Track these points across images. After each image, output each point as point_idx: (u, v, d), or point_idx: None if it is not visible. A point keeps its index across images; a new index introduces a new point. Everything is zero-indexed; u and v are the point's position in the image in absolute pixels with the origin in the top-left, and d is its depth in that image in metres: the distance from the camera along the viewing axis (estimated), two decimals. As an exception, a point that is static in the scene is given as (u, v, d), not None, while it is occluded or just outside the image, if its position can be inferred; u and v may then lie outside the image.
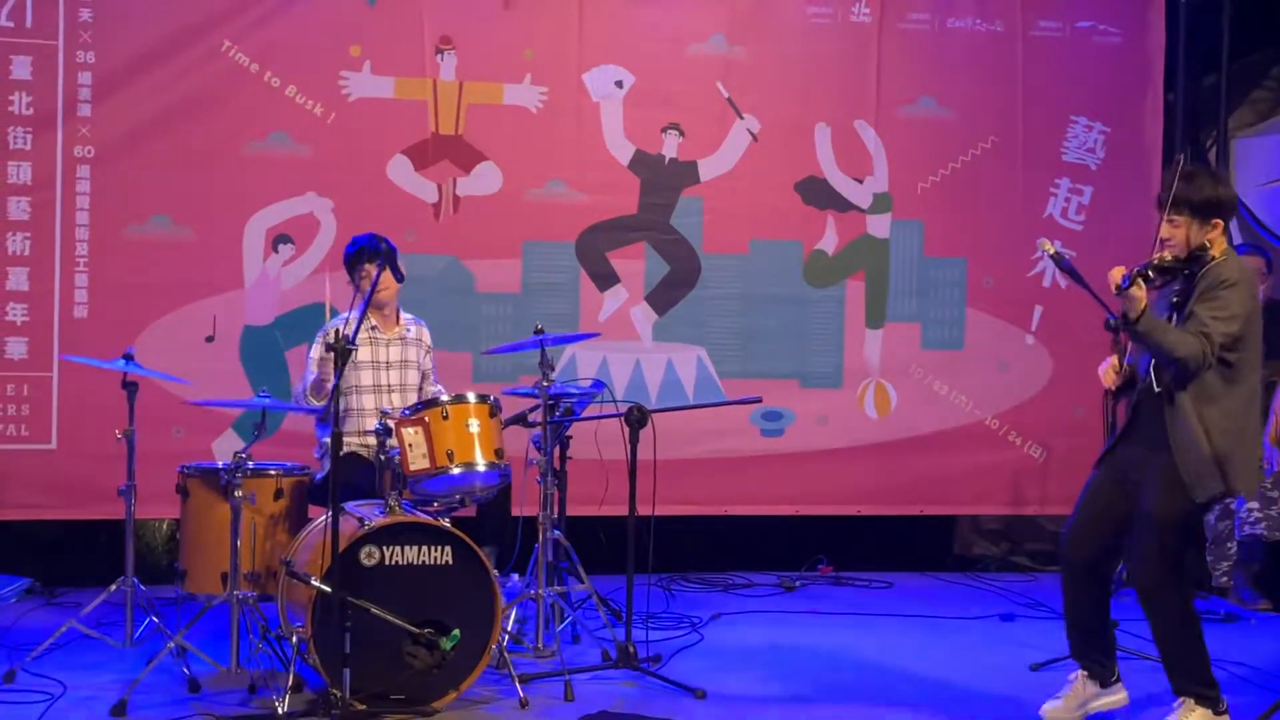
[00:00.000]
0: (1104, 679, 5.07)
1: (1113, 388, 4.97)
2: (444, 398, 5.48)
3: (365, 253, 5.96)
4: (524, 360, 6.92)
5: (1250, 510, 6.90)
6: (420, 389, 6.18)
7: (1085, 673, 5.08)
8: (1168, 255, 4.80)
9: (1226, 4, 7.87)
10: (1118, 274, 4.66)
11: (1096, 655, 5.07)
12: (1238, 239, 7.82)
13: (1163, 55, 8.02)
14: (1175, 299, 4.86)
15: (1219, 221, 4.80)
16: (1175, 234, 4.80)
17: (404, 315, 6.22)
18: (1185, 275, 4.82)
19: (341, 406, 5.50)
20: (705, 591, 7.34)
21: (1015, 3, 7.87)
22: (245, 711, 5.04)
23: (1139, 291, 4.62)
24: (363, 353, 6.01)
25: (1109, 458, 5.02)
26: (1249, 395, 4.83)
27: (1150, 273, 4.70)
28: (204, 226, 7.11)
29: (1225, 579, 7.19)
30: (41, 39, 6.92)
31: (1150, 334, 4.67)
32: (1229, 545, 7.14)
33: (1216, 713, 4.83)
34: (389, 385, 6.07)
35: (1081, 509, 5.05)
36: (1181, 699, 4.86)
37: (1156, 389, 4.80)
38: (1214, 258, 4.78)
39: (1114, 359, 4.94)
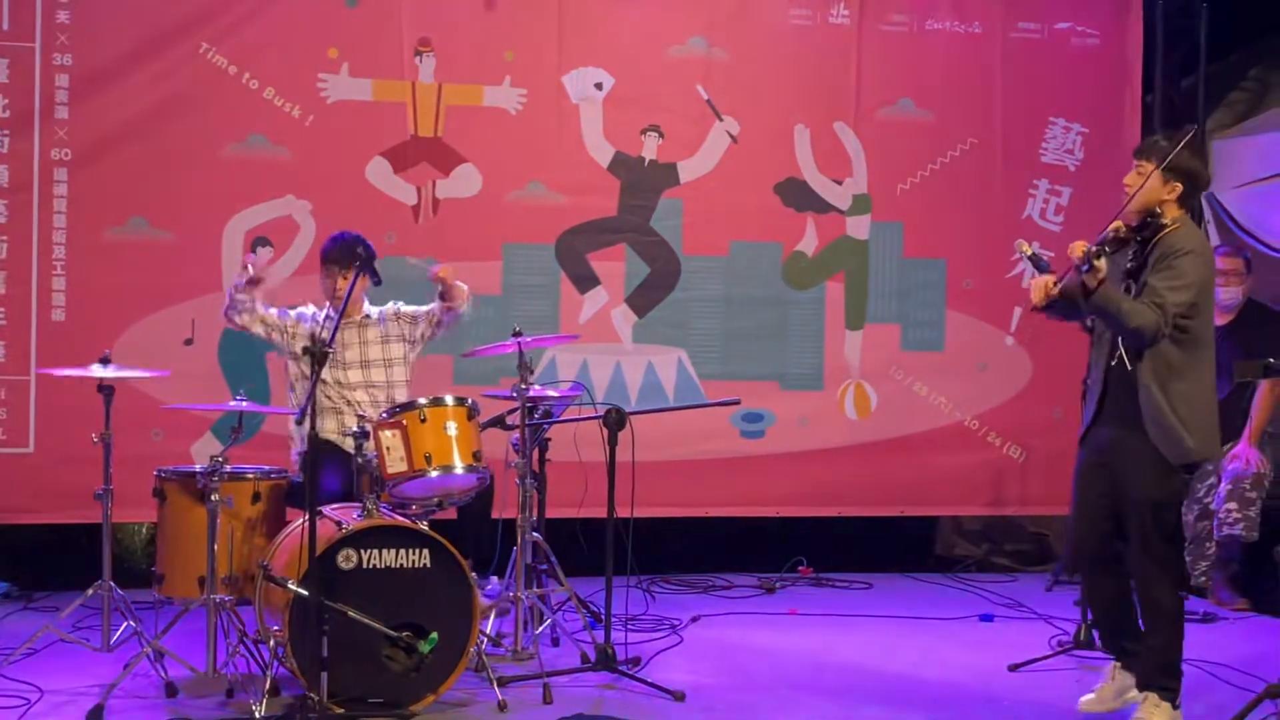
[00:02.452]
0: (1173, 702, 5.00)
1: (1039, 304, 4.88)
2: (421, 400, 5.47)
3: (339, 257, 5.91)
4: (505, 362, 6.89)
5: (1229, 511, 6.92)
6: (404, 360, 6.16)
7: (1119, 663, 5.11)
8: (1120, 226, 4.84)
9: (1204, 6, 7.90)
10: (1078, 249, 4.69)
11: (1127, 643, 5.08)
12: (1215, 240, 7.87)
13: (1140, 57, 8.05)
14: (1129, 264, 4.90)
15: (1178, 186, 4.84)
16: (1135, 181, 4.85)
17: (367, 308, 6.19)
18: (1138, 242, 4.85)
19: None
20: (685, 593, 7.34)
21: (994, 5, 7.91)
22: (222, 715, 5.03)
23: (1100, 264, 4.65)
24: (342, 334, 6.00)
25: (1086, 441, 5.08)
26: (1207, 362, 4.87)
27: (1107, 247, 4.73)
28: (182, 229, 7.10)
29: (1204, 579, 7.20)
30: (18, 41, 6.90)
31: (1106, 305, 4.72)
32: (1207, 545, 7.15)
33: (1175, 706, 4.90)
34: (371, 360, 6.05)
35: (1076, 501, 5.13)
36: (1145, 693, 4.91)
37: (1128, 367, 4.84)
38: (1166, 225, 4.81)
39: (1049, 278, 4.86)
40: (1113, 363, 4.93)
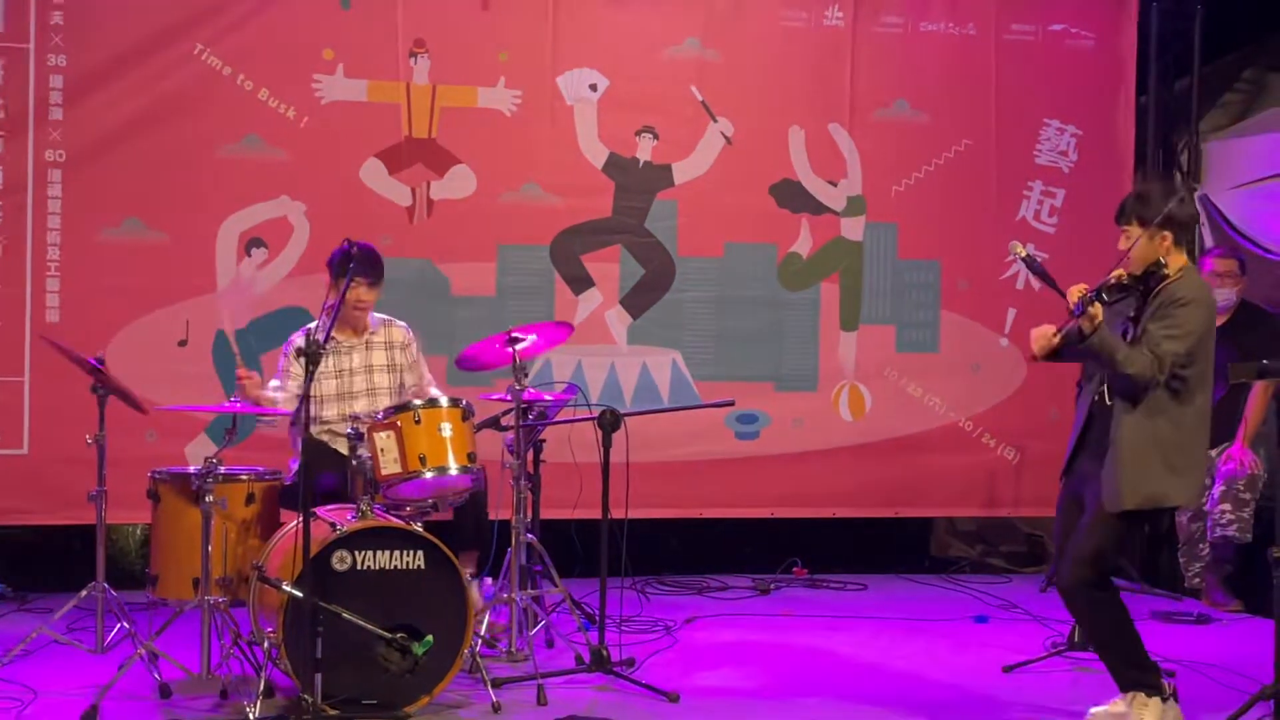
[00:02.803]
0: (1160, 694, 4.94)
1: (1040, 355, 4.92)
2: (416, 402, 5.46)
3: (359, 270, 5.84)
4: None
5: (1223, 512, 6.93)
6: (404, 389, 6.08)
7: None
8: (1123, 274, 4.86)
9: (1198, 8, 7.90)
10: (1075, 293, 4.70)
11: (1136, 674, 4.98)
12: (1210, 241, 7.87)
13: (1135, 58, 8.06)
14: (1131, 314, 4.93)
15: (1167, 235, 4.85)
16: (1126, 245, 4.87)
17: (372, 317, 6.17)
18: (1140, 292, 4.88)
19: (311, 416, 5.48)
20: (680, 595, 7.34)
21: (988, 6, 7.91)
22: (216, 717, 5.04)
23: (1094, 310, 4.68)
24: (326, 363, 5.91)
25: (1068, 475, 5.10)
26: (1199, 411, 4.88)
27: (1104, 295, 4.76)
28: (177, 230, 7.09)
29: (1197, 580, 7.22)
30: (12, 42, 6.89)
31: (1102, 350, 4.74)
32: (1201, 547, 7.17)
33: (1164, 699, 4.87)
34: (353, 392, 6.01)
35: (1059, 536, 5.13)
36: (1130, 694, 4.89)
37: (1109, 402, 4.87)
38: (1168, 275, 4.83)
39: (1049, 328, 4.88)
40: (1095, 397, 4.95)
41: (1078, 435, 5.05)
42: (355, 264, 5.59)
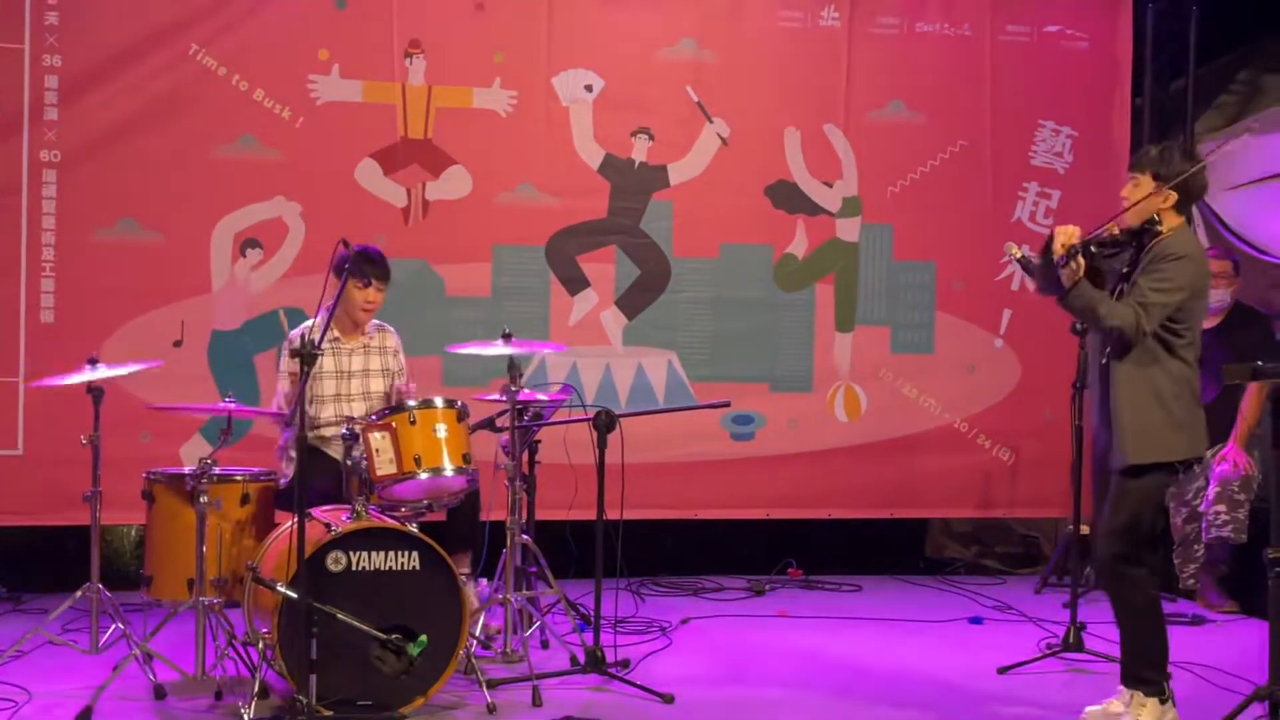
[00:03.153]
0: (1159, 695, 4.95)
1: (1060, 252, 4.76)
2: (411, 402, 5.46)
3: (376, 271, 5.88)
4: (495, 364, 6.91)
5: (1217, 513, 6.93)
6: (389, 394, 6.11)
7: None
8: (1114, 228, 4.84)
9: (1194, 9, 7.91)
10: (1063, 239, 4.69)
11: (1148, 673, 4.96)
12: (1204, 243, 7.87)
13: (1130, 59, 8.07)
14: (1125, 269, 4.92)
15: (1173, 195, 4.84)
16: (1132, 194, 4.87)
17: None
18: (1135, 248, 4.86)
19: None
20: (675, 595, 7.34)
21: (983, 7, 7.91)
22: (211, 718, 5.03)
23: (1076, 262, 4.67)
24: (326, 363, 5.94)
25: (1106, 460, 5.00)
26: (1191, 366, 4.86)
27: (1092, 247, 4.74)
28: (172, 231, 7.08)
29: (1192, 581, 7.22)
30: (7, 42, 6.87)
31: (1083, 303, 4.74)
32: (1196, 548, 7.17)
33: (1164, 701, 4.87)
34: (350, 394, 6.01)
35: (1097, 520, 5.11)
36: (1130, 691, 4.89)
37: (1104, 362, 4.87)
38: (1161, 232, 4.83)
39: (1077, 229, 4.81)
40: (1103, 360, 4.94)
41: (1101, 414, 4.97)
42: (371, 265, 5.76)
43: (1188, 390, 4.86)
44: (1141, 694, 4.88)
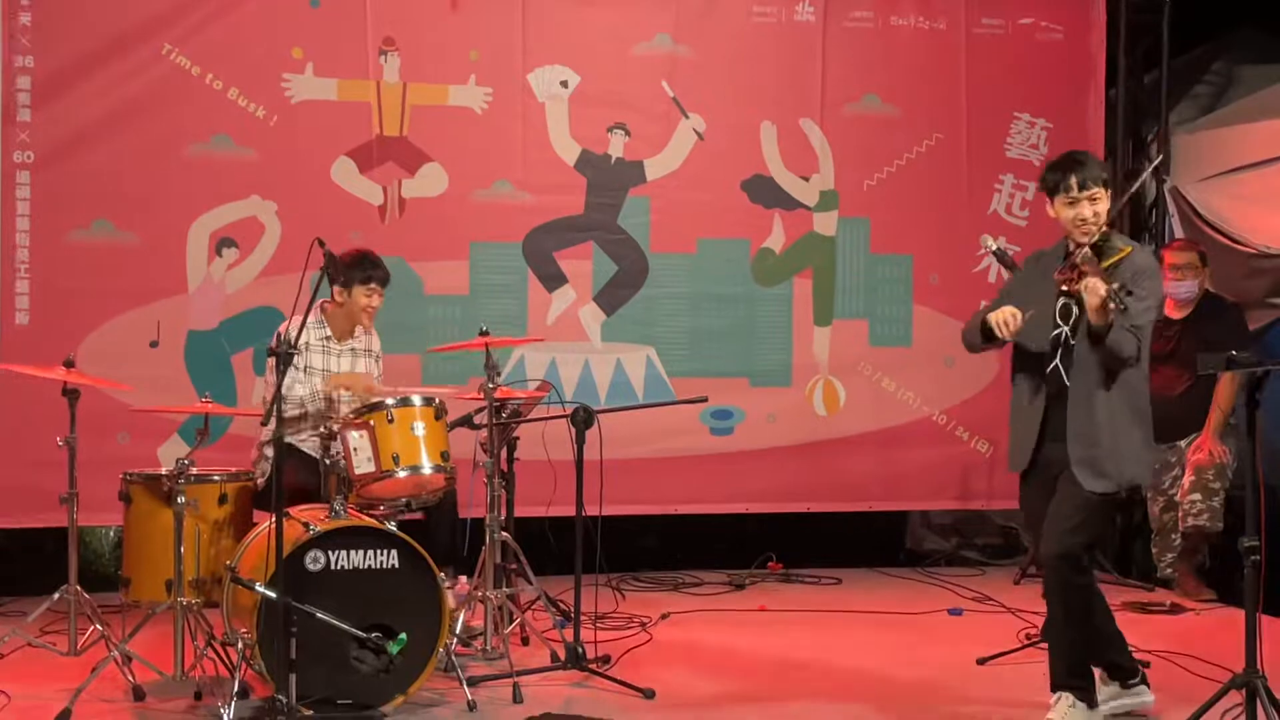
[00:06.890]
0: (1122, 679, 5.03)
1: (1010, 337, 4.74)
2: (389, 401, 5.46)
3: (380, 275, 5.92)
4: (473, 362, 6.89)
5: (1193, 502, 6.96)
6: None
7: (1102, 671, 5.04)
8: (1088, 250, 4.71)
9: (1167, 1, 7.94)
10: (1098, 294, 4.53)
11: (1108, 655, 5.01)
12: (1180, 233, 7.91)
13: (1104, 52, 8.10)
14: (1064, 287, 4.78)
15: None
16: (1101, 208, 4.79)
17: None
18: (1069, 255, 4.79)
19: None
20: (655, 591, 7.35)
21: (958, 0, 7.93)
22: (190, 718, 5.01)
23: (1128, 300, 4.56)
24: (315, 360, 5.93)
25: (1032, 470, 4.93)
26: (1145, 377, 4.84)
27: (1121, 290, 4.54)
28: (147, 231, 7.06)
29: (1170, 571, 7.25)
30: (-21, 43, 6.86)
31: (1117, 346, 4.63)
32: (1173, 537, 7.20)
33: (1092, 707, 4.82)
34: (339, 395, 6.00)
35: (1031, 526, 5.07)
36: (1057, 694, 4.84)
37: (1066, 382, 4.77)
38: (1119, 248, 4.78)
39: (1018, 310, 4.74)
40: (1053, 382, 4.82)
41: (1039, 425, 4.87)
42: (375, 269, 5.88)
43: (1148, 398, 4.86)
44: (1072, 696, 4.80)
